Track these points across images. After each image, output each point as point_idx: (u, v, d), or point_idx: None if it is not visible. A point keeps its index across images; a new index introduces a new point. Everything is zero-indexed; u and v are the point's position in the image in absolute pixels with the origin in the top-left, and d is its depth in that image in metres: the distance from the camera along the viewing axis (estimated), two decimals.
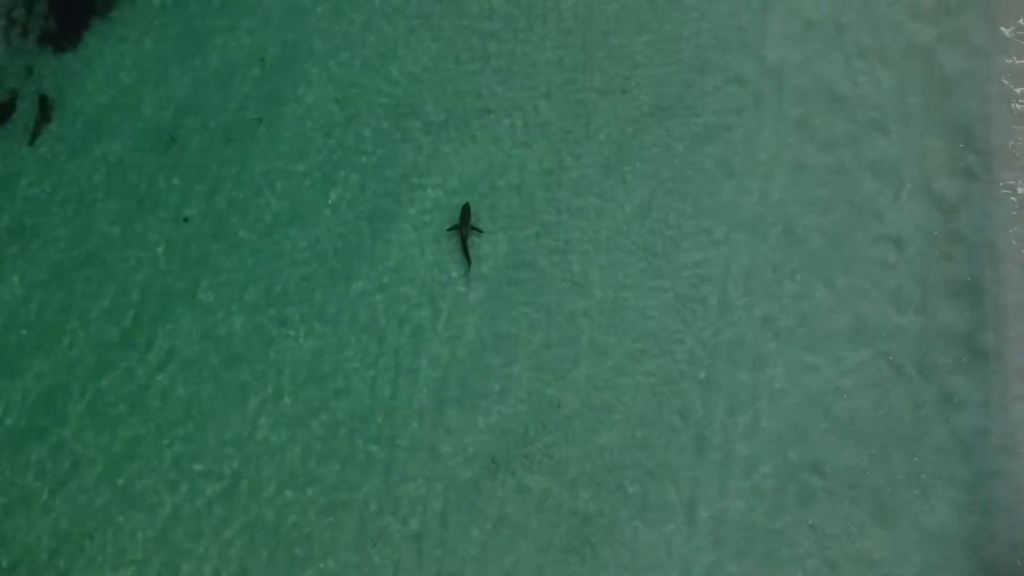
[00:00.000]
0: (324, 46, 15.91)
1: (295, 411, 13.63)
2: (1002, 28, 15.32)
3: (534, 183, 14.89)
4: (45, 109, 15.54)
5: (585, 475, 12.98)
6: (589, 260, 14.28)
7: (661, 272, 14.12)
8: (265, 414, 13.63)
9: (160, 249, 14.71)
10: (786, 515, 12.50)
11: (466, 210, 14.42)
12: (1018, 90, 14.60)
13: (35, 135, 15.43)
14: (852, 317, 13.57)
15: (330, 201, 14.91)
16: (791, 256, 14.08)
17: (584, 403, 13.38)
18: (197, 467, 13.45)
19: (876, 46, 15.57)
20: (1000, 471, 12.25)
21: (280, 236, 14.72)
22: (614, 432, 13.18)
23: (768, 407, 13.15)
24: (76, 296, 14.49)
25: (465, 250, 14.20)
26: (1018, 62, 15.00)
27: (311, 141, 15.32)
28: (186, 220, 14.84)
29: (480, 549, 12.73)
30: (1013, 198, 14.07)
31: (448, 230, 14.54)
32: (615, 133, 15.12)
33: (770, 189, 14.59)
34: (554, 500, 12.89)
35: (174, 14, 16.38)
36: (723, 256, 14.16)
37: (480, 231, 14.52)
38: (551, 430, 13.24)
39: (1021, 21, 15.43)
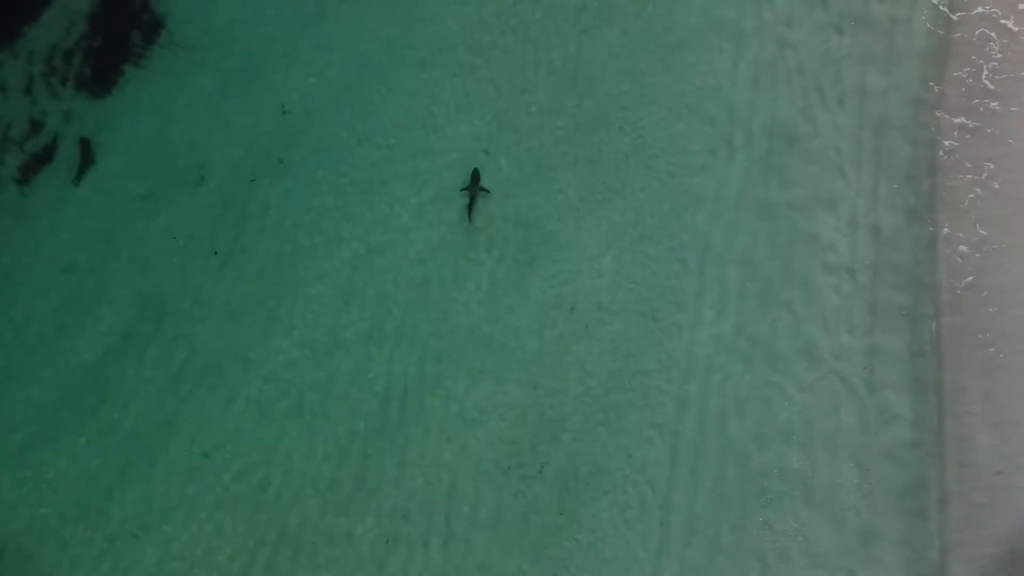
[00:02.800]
0: (340, 93, 17.66)
1: None
2: (937, 84, 17.27)
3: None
4: (88, 151, 17.15)
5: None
6: (574, 285, 16.09)
7: (641, 296, 15.89)
8: None
9: (197, 284, 16.41)
10: (747, 513, 14.32)
11: (475, 173, 16.50)
12: (947, 143, 16.50)
13: (79, 176, 17.04)
14: (807, 339, 15.38)
15: (343, 235, 16.63)
16: (755, 281, 15.86)
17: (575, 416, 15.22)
18: None
19: (835, 92, 17.43)
20: (932, 479, 14.10)
21: (301, 268, 16.40)
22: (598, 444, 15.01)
23: (735, 419, 14.97)
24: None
25: (471, 207, 16.35)
26: (946, 116, 16.91)
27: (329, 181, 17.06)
28: (216, 253, 16.51)
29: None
30: (946, 231, 15.94)
31: (461, 190, 16.59)
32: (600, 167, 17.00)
33: (740, 220, 16.38)
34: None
35: (202, 61, 18.03)
36: (694, 281, 15.93)
37: (487, 191, 16.53)
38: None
39: (961, 74, 17.37)
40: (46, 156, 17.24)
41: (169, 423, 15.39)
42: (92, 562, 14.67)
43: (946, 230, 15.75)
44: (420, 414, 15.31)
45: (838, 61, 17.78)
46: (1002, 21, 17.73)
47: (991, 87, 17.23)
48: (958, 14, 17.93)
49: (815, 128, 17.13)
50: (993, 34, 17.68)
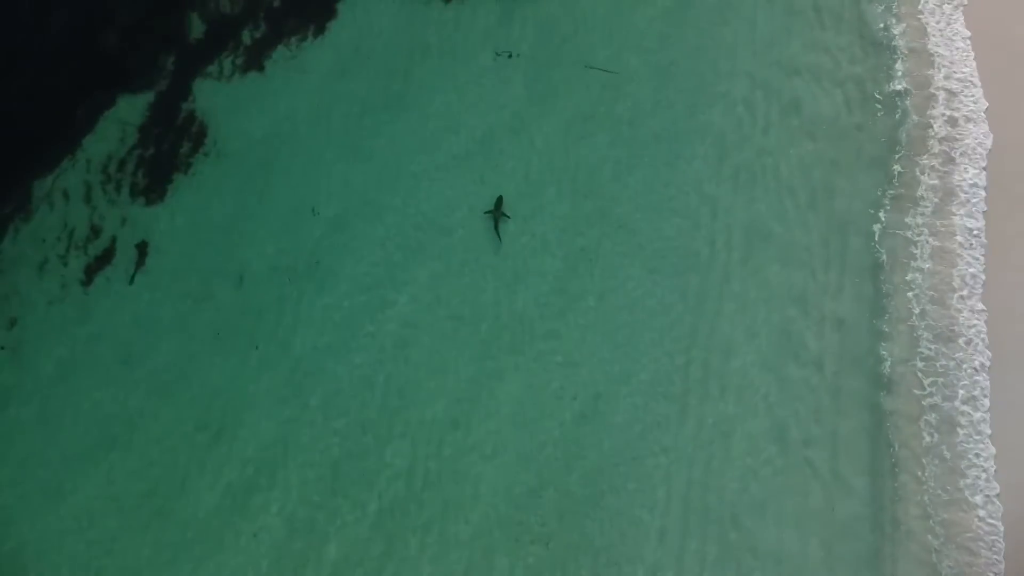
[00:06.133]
0: (365, 199, 19.88)
1: None
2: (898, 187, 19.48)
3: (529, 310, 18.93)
4: (143, 254, 19.33)
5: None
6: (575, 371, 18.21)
7: (635, 391, 17.99)
8: None
9: (239, 375, 18.51)
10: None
11: (499, 200, 19.37)
12: (916, 251, 18.71)
13: (134, 276, 19.20)
14: (783, 428, 17.42)
15: (368, 330, 18.75)
16: (735, 374, 17.94)
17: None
18: None
19: (806, 194, 19.57)
20: (885, 553, 16.21)
21: (332, 360, 18.50)
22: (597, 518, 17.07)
23: (715, 495, 17.01)
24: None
25: (496, 228, 19.22)
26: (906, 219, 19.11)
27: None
28: (257, 348, 18.63)
29: None
30: (909, 325, 18.04)
31: (485, 213, 19.22)
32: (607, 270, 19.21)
33: (719, 319, 18.48)
34: None
35: (242, 169, 20.23)
36: (680, 378, 18.02)
37: (508, 216, 19.24)
38: None
39: (922, 176, 19.52)
40: (106, 258, 19.37)
41: (217, 512, 17.44)
42: None
43: (911, 324, 17.96)
44: (440, 493, 17.34)
45: (809, 166, 19.97)
46: (945, 127, 19.92)
47: (947, 188, 19.37)
48: (919, 117, 20.17)
49: (787, 228, 19.26)
50: (949, 136, 19.88)
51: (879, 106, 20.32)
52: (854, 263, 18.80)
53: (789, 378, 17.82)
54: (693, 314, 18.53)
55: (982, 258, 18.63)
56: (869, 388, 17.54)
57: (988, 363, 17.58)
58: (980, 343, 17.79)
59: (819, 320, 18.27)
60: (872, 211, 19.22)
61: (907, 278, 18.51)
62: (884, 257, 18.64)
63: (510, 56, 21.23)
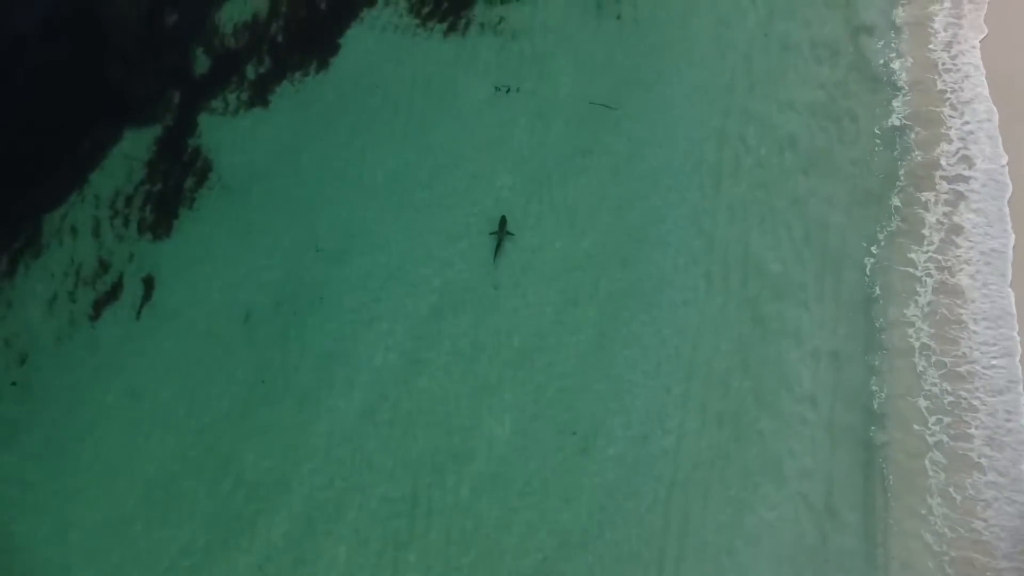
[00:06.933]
0: (366, 232, 20.26)
1: None
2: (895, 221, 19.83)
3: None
4: (149, 289, 19.70)
5: None
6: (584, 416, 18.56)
7: (631, 421, 18.34)
8: None
9: (245, 409, 18.87)
10: None
11: (503, 220, 19.90)
12: (919, 287, 19.05)
13: (140, 311, 19.57)
14: (777, 462, 17.77)
15: (371, 365, 19.12)
16: (731, 411, 18.30)
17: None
18: None
19: (801, 230, 19.91)
20: None
21: (339, 395, 18.86)
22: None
23: (712, 532, 17.37)
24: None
25: (497, 248, 19.72)
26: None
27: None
28: (263, 382, 19.01)
29: None
30: (903, 363, 18.37)
31: (490, 234, 19.73)
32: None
33: (716, 355, 18.84)
34: None
35: (246, 203, 20.61)
36: (678, 412, 18.37)
37: (512, 234, 19.68)
38: None
39: (918, 210, 19.85)
40: (114, 293, 19.76)
41: (227, 538, 17.81)
42: None
43: (905, 361, 18.23)
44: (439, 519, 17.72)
45: (804, 201, 20.31)
46: (956, 164, 20.21)
47: (944, 224, 19.67)
48: (916, 155, 20.49)
49: (783, 263, 19.60)
50: (947, 175, 20.19)
51: (878, 141, 20.66)
52: (848, 298, 19.12)
53: (785, 413, 18.21)
54: (689, 348, 18.89)
55: (990, 292, 18.86)
56: (862, 423, 17.89)
57: (995, 397, 17.80)
58: (988, 378, 17.97)
59: (814, 355, 18.63)
60: (866, 245, 19.58)
61: (907, 312, 18.84)
62: (879, 292, 18.99)
63: (509, 91, 21.60)
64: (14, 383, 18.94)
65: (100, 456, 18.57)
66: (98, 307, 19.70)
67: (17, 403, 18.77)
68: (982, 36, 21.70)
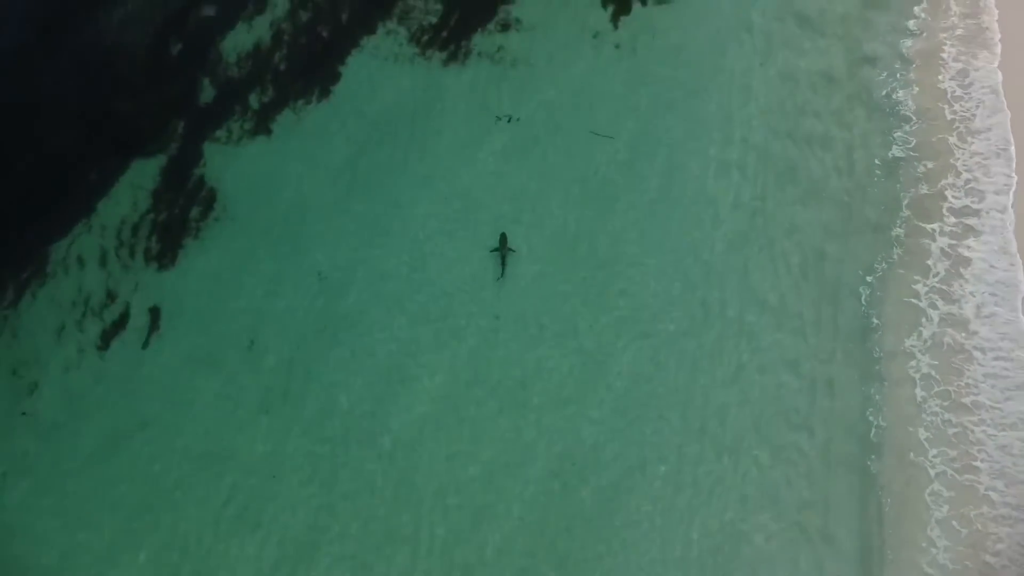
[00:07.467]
0: (367, 264, 20.55)
1: None
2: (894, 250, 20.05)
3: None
4: (155, 319, 20.00)
5: None
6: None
7: (630, 454, 18.62)
8: None
9: (250, 439, 19.17)
10: None
11: (503, 237, 20.27)
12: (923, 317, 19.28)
13: (147, 340, 19.88)
14: (774, 491, 18.04)
15: (374, 393, 19.41)
16: (729, 440, 18.57)
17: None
18: None
19: (798, 259, 20.16)
20: None
21: (342, 426, 19.15)
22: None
23: (710, 556, 17.65)
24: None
25: (503, 263, 20.11)
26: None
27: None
28: (267, 412, 19.30)
29: None
30: (905, 392, 18.62)
31: (491, 251, 20.08)
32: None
33: (713, 384, 19.12)
34: None
35: (250, 232, 20.88)
36: (676, 441, 18.65)
37: (513, 250, 20.10)
38: None
39: (916, 239, 20.07)
40: (121, 323, 20.05)
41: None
42: None
43: (905, 390, 18.53)
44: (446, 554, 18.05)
45: (801, 231, 20.53)
46: (963, 196, 20.39)
47: (950, 255, 19.84)
48: (928, 183, 20.61)
49: (781, 293, 19.84)
50: (953, 206, 20.37)
51: (878, 172, 20.86)
52: (847, 328, 19.39)
53: (782, 442, 18.46)
54: (688, 376, 19.15)
55: (996, 322, 19.06)
56: (859, 452, 18.16)
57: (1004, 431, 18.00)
58: (997, 411, 18.17)
59: (811, 383, 18.89)
60: (865, 275, 19.82)
61: (909, 343, 19.06)
62: (880, 321, 19.23)
63: (509, 120, 21.84)
64: (24, 413, 19.26)
65: (107, 485, 18.88)
66: (106, 337, 19.98)
67: (27, 434, 19.08)
68: (994, 64, 21.84)
